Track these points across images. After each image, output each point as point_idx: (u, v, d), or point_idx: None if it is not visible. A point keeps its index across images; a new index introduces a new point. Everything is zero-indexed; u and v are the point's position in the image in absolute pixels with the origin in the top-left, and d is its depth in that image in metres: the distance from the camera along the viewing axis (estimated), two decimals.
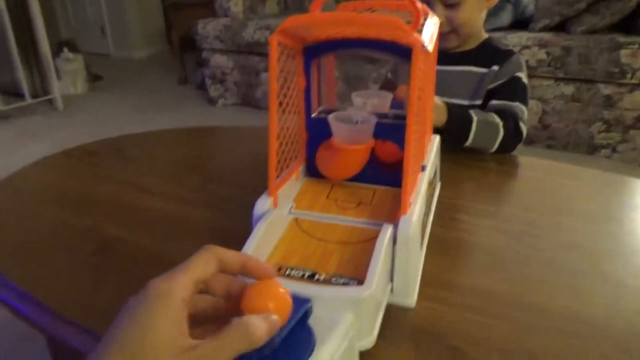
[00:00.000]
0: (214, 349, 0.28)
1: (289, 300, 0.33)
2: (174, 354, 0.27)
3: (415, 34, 0.46)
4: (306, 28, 0.48)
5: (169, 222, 0.64)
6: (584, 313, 0.47)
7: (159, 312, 0.28)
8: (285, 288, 0.33)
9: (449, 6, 0.89)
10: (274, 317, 0.31)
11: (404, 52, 0.49)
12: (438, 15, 0.86)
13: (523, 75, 0.91)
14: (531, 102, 2.12)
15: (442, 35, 0.74)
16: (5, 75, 2.78)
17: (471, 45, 0.95)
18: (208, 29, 2.69)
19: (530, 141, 2.14)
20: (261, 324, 0.30)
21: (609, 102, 1.99)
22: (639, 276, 0.52)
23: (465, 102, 0.94)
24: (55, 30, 4.31)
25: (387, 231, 0.45)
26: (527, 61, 2.05)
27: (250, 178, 0.76)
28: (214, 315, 0.34)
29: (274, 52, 0.47)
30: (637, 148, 2.00)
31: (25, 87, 2.66)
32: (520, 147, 0.88)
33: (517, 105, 0.88)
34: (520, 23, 2.30)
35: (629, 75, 1.91)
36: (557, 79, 2.06)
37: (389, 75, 1.06)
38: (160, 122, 2.55)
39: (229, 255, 0.33)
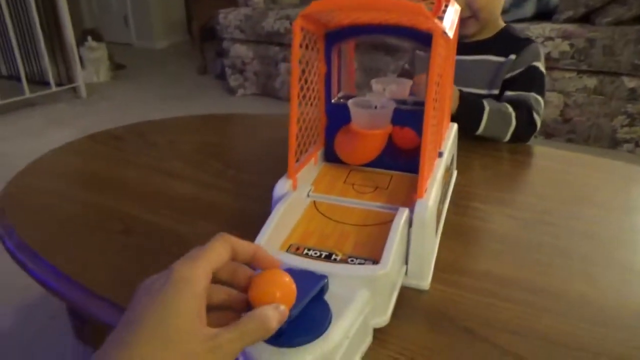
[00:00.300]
0: (233, 339, 0.29)
1: (294, 289, 0.34)
2: (198, 341, 0.27)
3: (436, 20, 0.47)
4: (329, 13, 0.49)
5: (191, 205, 0.66)
6: (596, 299, 0.47)
7: (184, 298, 0.28)
8: (289, 277, 0.34)
9: None
10: (282, 307, 0.32)
11: (424, 39, 0.50)
12: (457, 0, 0.86)
13: (540, 65, 0.91)
14: (552, 95, 2.09)
15: (461, 21, 0.73)
16: (32, 63, 2.85)
17: (489, 33, 0.95)
18: (229, 18, 2.71)
19: (551, 134, 2.11)
20: (274, 315, 0.31)
21: (633, 95, 1.95)
22: None
23: (483, 92, 0.93)
24: (79, 19, 4.37)
25: (403, 214, 0.46)
26: (549, 53, 2.02)
27: (270, 164, 0.78)
28: (222, 304, 0.34)
29: (297, 37, 0.48)
30: None
31: (50, 75, 2.72)
32: (539, 140, 0.88)
33: (532, 95, 0.88)
34: (544, 14, 2.27)
35: None
36: (580, 72, 2.02)
37: (406, 66, 1.07)
38: (181, 111, 2.58)
39: (241, 244, 0.34)
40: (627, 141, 2.02)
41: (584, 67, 2.00)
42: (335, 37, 0.55)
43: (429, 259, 0.50)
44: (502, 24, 0.97)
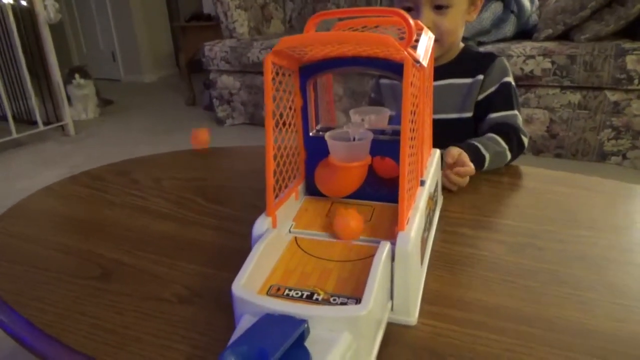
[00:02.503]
0: None
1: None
2: None
3: (407, 50, 0.46)
4: (300, 48, 0.49)
5: (171, 244, 0.64)
6: (589, 326, 0.46)
7: None
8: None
9: (438, 9, 0.87)
10: None
11: (398, 69, 0.49)
12: (426, 21, 0.87)
13: (511, 79, 0.91)
14: (538, 112, 2.11)
15: None
16: (19, 103, 2.85)
17: (450, 57, 0.95)
18: (215, 50, 2.74)
19: (539, 151, 2.12)
20: None
21: (617, 108, 1.97)
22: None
23: (453, 116, 0.93)
24: (67, 57, 4.42)
25: (385, 248, 0.45)
26: (532, 70, 2.04)
27: (253, 197, 0.77)
28: None
29: (268, 73, 0.48)
30: None
31: (37, 115, 2.71)
32: (528, 157, 0.88)
33: (515, 114, 0.88)
34: (524, 33, 2.31)
35: (636, 81, 1.90)
36: (563, 88, 2.05)
37: (372, 95, 1.07)
38: (169, 144, 2.58)
39: None
40: (614, 154, 2.03)
41: (567, 83, 2.02)
42: (309, 70, 0.55)
43: (414, 292, 0.48)
44: (462, 45, 0.97)
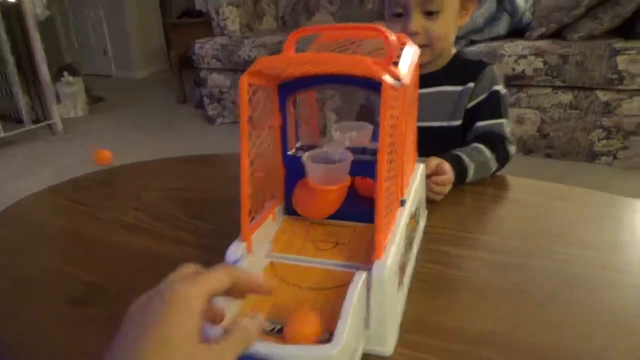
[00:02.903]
0: (222, 349, 0.32)
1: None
2: (196, 354, 0.30)
3: (385, 73, 0.45)
4: (277, 68, 0.48)
5: (149, 263, 0.63)
6: (577, 352, 0.45)
7: (182, 319, 0.30)
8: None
9: (428, 14, 0.85)
10: (260, 316, 0.36)
11: (379, 86, 0.48)
12: (416, 26, 0.85)
13: (500, 88, 0.90)
14: (529, 112, 2.10)
15: None
16: (5, 101, 2.81)
17: (441, 63, 0.93)
18: (205, 48, 2.71)
19: (529, 150, 2.12)
20: (253, 324, 0.35)
21: (608, 108, 1.97)
22: (634, 310, 0.50)
23: (443, 124, 0.92)
24: (58, 54, 4.36)
25: (360, 280, 0.43)
26: (523, 70, 2.03)
27: (236, 210, 0.76)
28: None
29: (244, 94, 0.46)
30: (638, 154, 1.97)
31: (25, 113, 2.68)
32: (519, 157, 0.87)
33: (502, 123, 0.87)
34: (517, 31, 2.30)
35: (627, 82, 1.89)
36: (554, 88, 2.04)
37: (362, 101, 1.05)
38: (159, 143, 2.56)
39: (243, 277, 0.37)
40: (604, 154, 2.03)
41: (559, 83, 2.01)
42: (288, 87, 0.53)
43: (391, 321, 0.47)
44: (454, 51, 0.95)
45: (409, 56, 0.54)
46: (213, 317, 0.38)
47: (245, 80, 0.46)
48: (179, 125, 2.89)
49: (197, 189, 0.88)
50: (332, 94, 2.35)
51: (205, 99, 2.83)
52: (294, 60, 0.45)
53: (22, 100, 2.67)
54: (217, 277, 0.34)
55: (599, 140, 2.01)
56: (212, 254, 0.64)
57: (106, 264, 0.63)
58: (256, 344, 0.38)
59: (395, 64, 0.51)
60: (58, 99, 2.90)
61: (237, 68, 2.66)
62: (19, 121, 2.73)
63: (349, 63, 0.44)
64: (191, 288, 0.32)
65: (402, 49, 0.55)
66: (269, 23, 3.06)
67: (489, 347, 0.46)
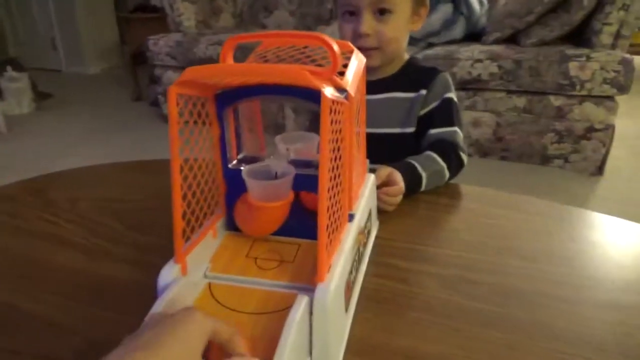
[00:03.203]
0: None
1: None
2: None
3: (327, 84, 0.42)
4: (209, 78, 0.44)
5: (79, 283, 0.58)
6: None
7: (193, 332, 0.34)
8: None
9: (380, 13, 0.83)
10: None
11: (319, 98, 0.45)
12: (367, 27, 0.83)
13: (453, 95, 0.90)
14: (485, 115, 2.13)
15: (365, 51, 0.68)
16: None
17: (393, 69, 0.92)
18: (160, 45, 2.62)
19: (485, 153, 2.15)
20: None
21: (560, 113, 2.03)
22: (577, 328, 0.50)
23: (395, 131, 0.91)
24: (2, 45, 4.12)
25: (301, 304, 0.41)
26: (479, 75, 2.06)
27: None
28: None
29: (172, 105, 0.42)
30: (587, 158, 2.04)
31: None
32: (475, 159, 0.87)
33: (454, 131, 0.86)
34: (473, 35, 2.33)
35: (578, 87, 1.95)
36: (509, 92, 2.08)
37: (307, 124, 1.03)
38: (113, 143, 2.45)
39: (221, 327, 0.38)
40: (557, 157, 2.09)
41: (513, 88, 2.05)
42: (226, 98, 0.50)
43: (335, 346, 0.45)
44: (406, 57, 0.94)
45: (355, 65, 0.52)
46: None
47: (173, 91, 0.42)
48: (134, 124, 2.78)
49: (137, 198, 0.82)
50: None
51: (160, 97, 2.74)
52: (225, 71, 0.42)
53: None
54: (224, 326, 0.37)
55: (552, 143, 2.07)
56: (152, 272, 0.60)
57: (24, 285, 0.58)
58: None
59: (341, 73, 0.48)
60: (1, 96, 2.73)
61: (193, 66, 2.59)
62: None
63: (286, 74, 0.41)
64: (204, 317, 0.36)
65: (348, 58, 0.52)
66: (226, 20, 2.99)
67: None
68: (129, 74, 3.25)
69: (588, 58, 1.91)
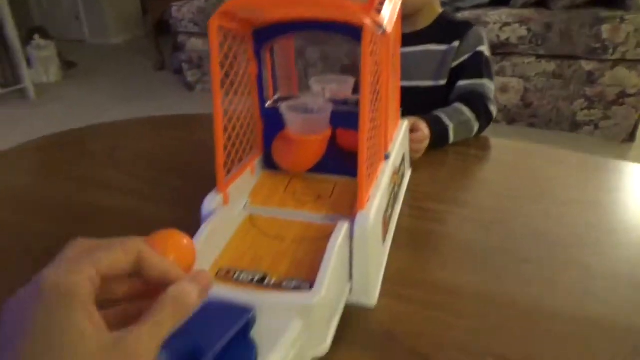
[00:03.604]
0: (144, 334, 0.23)
1: (193, 250, 0.28)
2: (97, 354, 0.22)
3: (367, 16, 0.42)
4: (250, 10, 0.44)
5: (123, 221, 0.60)
6: (553, 308, 0.44)
7: (64, 312, 0.22)
8: (189, 238, 0.30)
9: None
10: (205, 274, 0.28)
11: (359, 34, 0.45)
12: None
13: (485, 49, 0.88)
14: (513, 81, 2.09)
15: None
16: None
17: (426, 22, 0.91)
18: (183, 11, 2.62)
19: (512, 120, 2.12)
20: (191, 288, 0.26)
21: (591, 78, 1.97)
22: (609, 264, 0.50)
23: (429, 84, 0.90)
24: (26, 16, 4.17)
25: (342, 229, 0.42)
26: (507, 38, 2.01)
27: (213, 169, 0.73)
28: (126, 296, 0.28)
29: (214, 37, 0.43)
30: (619, 124, 1.99)
31: None
32: (502, 126, 0.86)
33: (484, 83, 0.85)
34: (501, 0, 2.26)
35: (610, 51, 1.89)
36: (538, 56, 2.03)
37: (346, 60, 1.02)
38: (137, 111, 2.49)
39: (153, 258, 0.27)
40: (586, 124, 2.04)
41: (542, 52, 2.00)
42: (264, 35, 0.50)
43: (375, 274, 0.46)
44: (439, 11, 0.93)
45: (391, 5, 0.51)
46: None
47: (215, 22, 0.43)
48: (157, 92, 2.80)
49: (170, 148, 0.84)
50: (312, 57, 2.30)
51: (184, 65, 2.75)
52: (268, 1, 0.42)
53: None
54: (110, 255, 0.26)
55: (581, 109, 2.02)
56: (189, 213, 0.62)
57: (73, 224, 0.60)
58: (235, 293, 0.37)
59: (378, 12, 0.48)
60: (28, 64, 2.78)
61: None
62: None
63: (328, 5, 0.41)
64: (70, 275, 0.23)
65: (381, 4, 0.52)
66: None
67: (468, 300, 0.46)
68: (152, 43, 3.26)
69: (622, 20, 1.85)
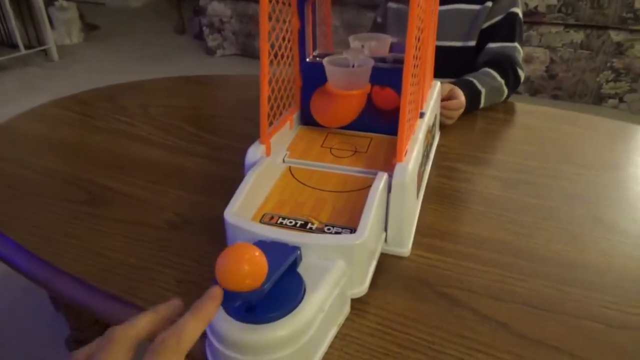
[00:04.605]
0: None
1: (264, 263, 0.31)
2: None
3: None
4: None
5: (161, 171, 0.63)
6: (579, 259, 0.46)
7: None
8: (260, 251, 0.31)
9: None
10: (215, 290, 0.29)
11: None
12: None
13: (519, 10, 0.87)
14: (538, 51, 2.05)
15: None
16: None
17: None
18: None
19: (536, 91, 2.09)
20: (188, 325, 0.27)
21: (619, 49, 1.92)
22: (636, 224, 0.52)
23: (458, 44, 0.89)
24: None
25: (382, 179, 0.44)
26: (536, 7, 1.97)
27: (245, 126, 0.75)
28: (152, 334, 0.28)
29: None
30: None
31: (18, 38, 2.58)
32: (525, 97, 0.86)
33: (514, 47, 0.85)
34: None
35: None
36: (567, 26, 1.98)
37: (379, 19, 1.01)
38: (157, 73, 2.49)
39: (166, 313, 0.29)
40: (611, 97, 2.01)
41: (571, 21, 1.95)
42: None
43: (409, 225, 0.48)
44: None
45: None
46: None
47: None
48: (177, 56, 2.80)
49: (204, 106, 0.87)
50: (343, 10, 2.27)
51: (204, 29, 2.73)
52: None
53: (14, 25, 2.57)
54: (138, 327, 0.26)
55: (607, 82, 1.98)
56: (224, 166, 0.64)
57: (114, 171, 0.63)
58: (282, 234, 0.39)
59: None
60: (51, 25, 2.79)
61: None
62: (13, 46, 2.64)
63: None
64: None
65: None
66: None
67: (497, 252, 0.48)
68: (172, 6, 3.24)
69: None
